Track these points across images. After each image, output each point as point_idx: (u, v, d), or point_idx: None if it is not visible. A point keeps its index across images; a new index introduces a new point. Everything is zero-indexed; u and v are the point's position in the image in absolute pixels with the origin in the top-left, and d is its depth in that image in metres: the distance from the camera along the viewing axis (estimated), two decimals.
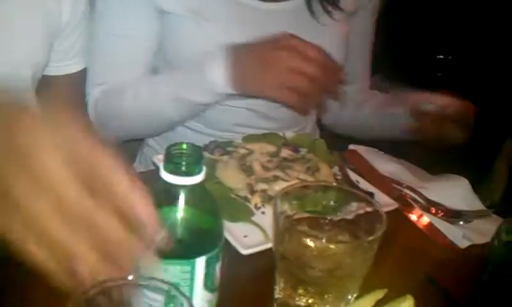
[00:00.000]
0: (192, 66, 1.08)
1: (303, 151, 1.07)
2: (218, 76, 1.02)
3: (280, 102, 1.04)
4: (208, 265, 0.62)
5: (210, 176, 0.97)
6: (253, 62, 1.01)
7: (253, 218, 0.89)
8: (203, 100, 1.07)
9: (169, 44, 1.16)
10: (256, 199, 0.93)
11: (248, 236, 0.85)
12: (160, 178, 0.60)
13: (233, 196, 0.94)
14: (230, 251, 0.81)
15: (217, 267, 0.65)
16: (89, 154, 0.50)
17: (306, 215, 0.78)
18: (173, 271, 0.61)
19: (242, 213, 0.89)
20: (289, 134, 1.14)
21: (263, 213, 0.91)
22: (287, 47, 0.99)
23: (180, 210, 0.61)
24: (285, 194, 0.75)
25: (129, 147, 1.36)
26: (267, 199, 0.93)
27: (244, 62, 1.02)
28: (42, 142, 0.50)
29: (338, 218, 0.79)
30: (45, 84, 1.13)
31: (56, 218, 0.48)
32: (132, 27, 1.15)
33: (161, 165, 0.60)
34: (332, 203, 0.79)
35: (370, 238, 0.69)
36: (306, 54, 0.98)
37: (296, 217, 0.77)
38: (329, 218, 0.78)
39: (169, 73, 1.16)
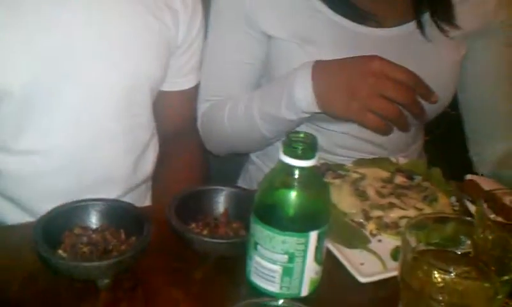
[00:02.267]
0: (280, 83, 1.09)
1: (418, 178, 1.04)
2: (304, 94, 1.02)
3: (364, 126, 1.02)
4: (319, 239, 0.71)
5: None
6: (338, 86, 1.00)
7: (369, 245, 0.88)
8: (288, 116, 1.06)
9: (275, 67, 1.17)
10: (371, 226, 0.91)
11: (365, 264, 0.83)
12: (279, 160, 0.70)
13: (348, 220, 0.92)
14: (346, 277, 0.80)
15: (325, 243, 0.73)
16: None
17: (431, 247, 0.76)
18: (290, 242, 0.69)
19: (359, 239, 0.88)
20: (402, 160, 1.12)
21: (379, 241, 0.89)
22: (375, 73, 0.96)
23: (296, 189, 0.70)
24: (411, 224, 0.74)
25: (235, 163, 1.38)
26: (383, 226, 0.91)
27: (330, 84, 1.01)
28: None
29: (463, 251, 0.76)
30: (160, 100, 1.17)
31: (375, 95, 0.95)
32: (239, 51, 1.18)
33: (280, 150, 0.69)
34: (458, 235, 0.77)
35: (505, 277, 0.66)
36: (395, 77, 0.96)
37: (421, 248, 0.75)
38: (455, 251, 0.76)
39: (261, 89, 1.17)
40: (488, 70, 1.22)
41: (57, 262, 0.72)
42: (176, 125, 1.24)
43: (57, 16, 0.96)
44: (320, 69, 1.02)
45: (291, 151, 0.69)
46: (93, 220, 0.83)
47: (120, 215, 0.82)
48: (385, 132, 1.01)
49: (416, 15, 1.12)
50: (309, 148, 0.69)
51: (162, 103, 1.18)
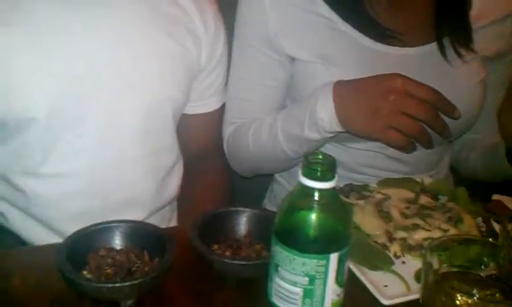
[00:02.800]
0: (302, 103, 1.09)
1: (443, 199, 1.03)
2: (326, 114, 1.02)
3: (387, 144, 1.02)
4: (340, 261, 0.70)
5: None
6: (360, 105, 1.00)
7: (393, 267, 0.87)
8: (311, 136, 1.07)
9: (300, 88, 1.17)
10: (395, 248, 0.91)
11: (389, 286, 0.82)
12: (298, 182, 0.70)
13: (371, 242, 0.92)
14: (370, 299, 0.80)
15: (346, 264, 0.72)
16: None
17: (455, 269, 0.75)
18: (310, 264, 0.69)
19: (383, 261, 0.87)
20: (427, 180, 1.11)
21: (403, 262, 0.89)
22: (397, 90, 0.97)
23: (316, 210, 0.70)
24: (433, 246, 0.73)
25: (260, 182, 1.39)
26: (407, 248, 0.90)
27: (351, 103, 1.01)
28: None
29: (487, 274, 0.75)
30: (184, 122, 1.18)
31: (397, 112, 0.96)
32: (263, 74, 1.19)
33: (299, 171, 0.70)
34: (481, 257, 0.76)
35: None
36: (416, 95, 0.96)
37: (444, 270, 0.74)
38: (478, 274, 0.75)
39: (285, 110, 1.18)
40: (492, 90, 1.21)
41: (82, 283, 0.74)
42: (201, 147, 1.25)
43: (79, 40, 0.98)
44: (342, 88, 1.02)
45: (310, 173, 0.69)
46: (118, 242, 0.84)
47: (143, 236, 0.83)
48: (408, 149, 1.02)
49: (437, 37, 1.12)
50: (328, 169, 0.69)
51: (186, 125, 1.19)
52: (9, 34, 0.94)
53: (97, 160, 1.04)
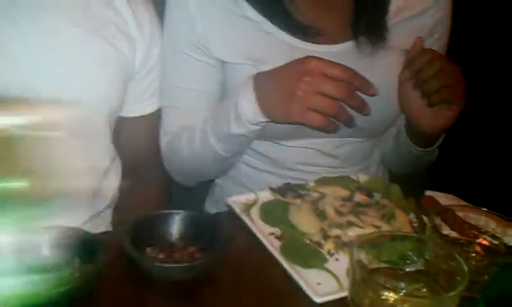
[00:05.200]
0: (226, 100, 1.10)
1: (377, 196, 1.05)
2: (247, 106, 1.04)
3: (308, 125, 1.03)
4: None
5: (283, 219, 0.98)
6: (277, 91, 1.02)
7: (326, 265, 0.88)
8: (238, 131, 1.08)
9: (232, 89, 1.17)
10: (329, 245, 0.92)
11: (322, 284, 0.83)
12: None
13: (306, 240, 0.93)
14: (303, 297, 0.80)
15: None
16: None
17: (383, 265, 0.76)
18: None
19: (316, 259, 0.88)
20: (362, 177, 1.13)
21: (337, 260, 0.90)
22: (310, 71, 0.99)
23: None
24: (362, 243, 0.74)
25: (199, 188, 1.38)
26: (341, 245, 0.92)
27: (270, 90, 1.03)
28: None
29: (415, 269, 0.77)
30: (121, 125, 1.17)
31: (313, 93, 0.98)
32: (194, 80, 1.19)
33: None
34: (409, 252, 0.78)
35: (452, 293, 0.67)
36: (330, 74, 0.98)
37: (372, 266, 0.75)
38: (406, 269, 0.76)
39: (213, 109, 1.18)
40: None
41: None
42: (138, 153, 1.24)
43: (7, 43, 0.97)
44: (261, 78, 1.05)
45: None
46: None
47: (73, 241, 0.82)
48: (330, 129, 1.03)
49: (354, 35, 1.15)
50: None
51: (123, 129, 1.18)
52: None
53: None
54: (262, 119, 1.05)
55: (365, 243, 0.75)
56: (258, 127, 1.08)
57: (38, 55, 0.99)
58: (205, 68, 1.17)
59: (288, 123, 1.05)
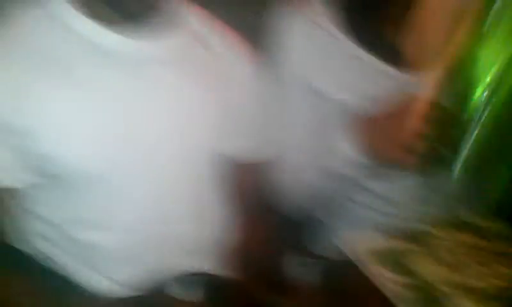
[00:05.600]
0: None
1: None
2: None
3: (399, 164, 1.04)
4: None
5: (401, 267, 0.95)
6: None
7: None
8: None
9: None
10: (454, 292, 0.88)
11: None
12: None
13: (429, 289, 0.89)
14: None
15: None
16: None
17: None
18: None
19: None
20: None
21: None
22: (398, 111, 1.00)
23: None
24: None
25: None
26: (465, 291, 0.88)
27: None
28: None
29: None
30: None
31: None
32: None
33: None
34: None
35: None
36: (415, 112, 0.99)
37: None
38: None
39: None
40: None
41: None
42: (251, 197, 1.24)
43: (128, 102, 0.98)
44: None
45: None
46: None
47: None
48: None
49: None
50: None
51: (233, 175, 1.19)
52: (67, 100, 0.93)
53: (156, 213, 1.03)
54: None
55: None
56: None
57: (156, 112, 1.00)
58: None
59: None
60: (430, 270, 0.92)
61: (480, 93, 1.16)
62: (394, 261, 0.96)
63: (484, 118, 1.17)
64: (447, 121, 1.04)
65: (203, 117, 1.06)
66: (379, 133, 1.04)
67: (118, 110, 0.97)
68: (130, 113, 0.98)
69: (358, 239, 1.01)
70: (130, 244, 1.03)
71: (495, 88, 1.15)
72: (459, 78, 1.15)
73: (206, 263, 1.10)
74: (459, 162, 1.20)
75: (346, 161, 1.07)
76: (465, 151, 1.22)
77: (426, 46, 1.14)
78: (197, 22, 1.09)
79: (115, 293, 1.00)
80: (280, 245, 1.26)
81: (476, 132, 1.18)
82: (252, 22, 1.21)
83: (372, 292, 0.88)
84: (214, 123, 1.08)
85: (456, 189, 1.20)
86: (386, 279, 0.91)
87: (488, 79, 1.15)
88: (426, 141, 0.99)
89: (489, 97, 1.16)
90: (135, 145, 0.98)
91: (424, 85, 1.08)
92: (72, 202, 0.99)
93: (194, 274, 0.85)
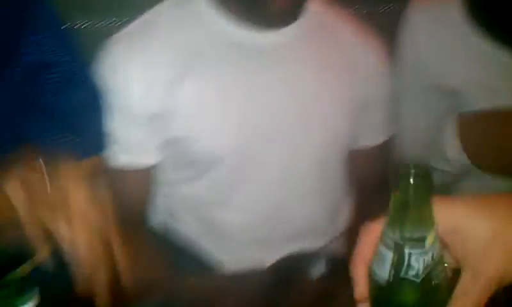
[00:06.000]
0: None
1: None
2: None
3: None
4: None
5: None
6: None
7: None
8: None
9: None
10: None
11: None
12: None
13: None
14: None
15: None
16: None
17: None
18: None
19: None
20: None
21: None
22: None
23: None
24: None
25: None
26: None
27: None
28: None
29: None
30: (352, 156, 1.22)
31: None
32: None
33: None
34: None
35: None
36: None
37: None
38: None
39: None
40: None
41: None
42: (364, 182, 1.26)
43: (260, 91, 1.06)
44: None
45: None
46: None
47: None
48: None
49: None
50: None
51: (353, 161, 1.22)
52: (202, 88, 1.05)
53: (279, 195, 1.11)
54: None
55: None
56: None
57: (288, 99, 1.08)
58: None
59: None
60: None
61: None
62: None
63: None
64: None
65: (329, 104, 1.11)
66: (488, 137, 1.02)
67: (249, 99, 1.06)
68: (259, 102, 1.06)
69: None
70: (254, 224, 1.12)
71: None
72: None
73: (323, 242, 1.16)
74: None
75: (448, 158, 1.06)
76: None
77: None
78: (324, 11, 1.15)
79: (239, 270, 1.08)
80: None
81: None
82: (383, 13, 1.27)
83: None
84: (339, 110, 1.13)
85: None
86: None
87: None
88: None
89: None
90: (263, 131, 1.07)
91: None
92: (203, 182, 1.10)
93: (313, 253, 0.91)
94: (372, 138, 1.22)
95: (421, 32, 1.17)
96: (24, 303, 0.60)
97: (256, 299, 0.86)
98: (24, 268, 0.80)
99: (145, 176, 1.11)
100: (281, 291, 0.83)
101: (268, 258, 1.05)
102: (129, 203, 1.08)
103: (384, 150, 1.25)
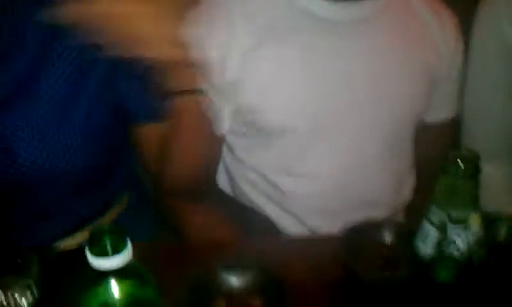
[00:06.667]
0: None
1: None
2: None
3: None
4: None
5: None
6: None
7: None
8: None
9: None
10: None
11: None
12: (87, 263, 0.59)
13: None
14: None
15: None
16: None
17: None
18: None
19: None
20: None
21: None
22: None
23: (113, 290, 0.61)
24: None
25: None
26: None
27: None
28: None
29: None
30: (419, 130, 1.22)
31: None
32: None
33: (87, 250, 0.59)
34: None
35: None
36: None
37: None
38: None
39: None
40: None
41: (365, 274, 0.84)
42: (430, 157, 1.22)
43: (335, 61, 1.08)
44: None
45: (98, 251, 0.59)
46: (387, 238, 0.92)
47: None
48: None
49: None
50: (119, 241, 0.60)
51: (420, 135, 1.22)
52: (277, 57, 1.07)
53: (346, 164, 1.13)
54: None
55: None
56: None
57: (363, 70, 1.09)
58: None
59: None
60: None
61: None
62: None
63: None
64: None
65: (404, 79, 1.12)
66: None
67: (323, 70, 1.08)
68: (334, 74, 1.08)
69: None
70: (320, 192, 1.14)
71: None
72: None
73: (386, 214, 1.18)
74: None
75: None
76: None
77: None
78: None
79: (306, 236, 1.13)
80: None
81: None
82: None
83: None
84: (414, 85, 1.13)
85: None
86: None
87: None
88: None
89: None
90: (335, 102, 1.09)
91: None
92: (271, 150, 1.13)
93: (378, 222, 0.95)
94: (441, 113, 1.22)
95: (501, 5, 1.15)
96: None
97: (324, 265, 0.90)
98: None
99: (216, 142, 1.14)
100: (348, 258, 0.86)
101: (331, 227, 1.06)
102: (198, 165, 1.11)
103: (451, 129, 1.25)
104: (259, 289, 0.82)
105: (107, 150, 1.07)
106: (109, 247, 0.59)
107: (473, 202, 0.64)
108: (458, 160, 0.62)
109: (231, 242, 1.01)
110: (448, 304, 0.69)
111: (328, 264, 0.89)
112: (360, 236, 0.91)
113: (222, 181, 1.24)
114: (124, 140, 1.09)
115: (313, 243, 1.00)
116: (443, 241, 0.64)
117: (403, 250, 0.82)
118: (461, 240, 0.63)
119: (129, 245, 0.60)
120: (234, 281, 0.84)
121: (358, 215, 0.94)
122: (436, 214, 0.64)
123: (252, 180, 1.17)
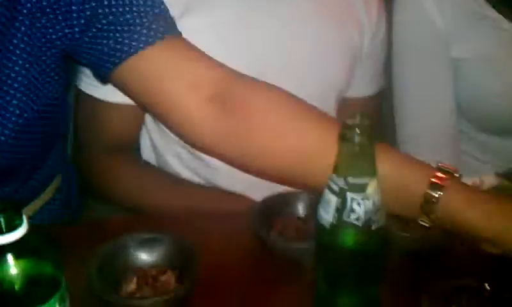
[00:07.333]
0: None
1: None
2: None
3: None
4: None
5: None
6: None
7: None
8: None
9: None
10: None
11: None
12: None
13: None
14: None
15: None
16: None
17: None
18: None
19: None
20: None
21: None
22: None
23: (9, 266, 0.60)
24: None
25: None
26: None
27: None
28: None
29: None
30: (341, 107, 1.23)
31: None
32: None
33: None
34: None
35: None
36: None
37: None
38: None
39: None
40: None
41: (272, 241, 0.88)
42: None
43: (254, 30, 1.08)
44: None
45: None
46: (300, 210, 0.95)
47: None
48: None
49: None
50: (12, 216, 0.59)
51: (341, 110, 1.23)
52: (193, 22, 1.04)
53: None
54: None
55: None
56: None
57: (275, 45, 1.09)
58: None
59: None
60: None
61: None
62: None
63: None
64: None
65: (328, 50, 1.13)
66: None
67: (251, 36, 1.07)
68: (259, 38, 1.08)
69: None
70: None
71: None
72: None
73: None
74: None
75: None
76: None
77: None
78: None
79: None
80: None
81: None
82: None
83: None
84: (337, 57, 1.14)
85: None
86: None
87: None
88: None
89: None
90: (262, 66, 1.04)
91: None
92: None
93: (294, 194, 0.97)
94: (363, 89, 1.24)
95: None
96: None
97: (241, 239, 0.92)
98: None
99: (134, 112, 1.12)
100: (261, 228, 0.88)
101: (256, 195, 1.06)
102: (118, 135, 1.11)
103: (374, 104, 1.27)
104: (172, 262, 0.82)
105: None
106: (3, 224, 0.58)
107: (371, 169, 0.65)
108: (355, 127, 0.63)
109: None
110: (351, 270, 0.70)
111: (244, 237, 0.91)
112: (275, 207, 0.93)
113: (146, 153, 1.22)
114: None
115: (231, 217, 1.00)
116: (343, 209, 0.65)
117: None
118: (359, 208, 0.65)
119: (25, 220, 0.59)
120: (145, 255, 0.83)
121: (282, 189, 0.95)
122: (336, 182, 0.65)
123: (178, 154, 1.16)
